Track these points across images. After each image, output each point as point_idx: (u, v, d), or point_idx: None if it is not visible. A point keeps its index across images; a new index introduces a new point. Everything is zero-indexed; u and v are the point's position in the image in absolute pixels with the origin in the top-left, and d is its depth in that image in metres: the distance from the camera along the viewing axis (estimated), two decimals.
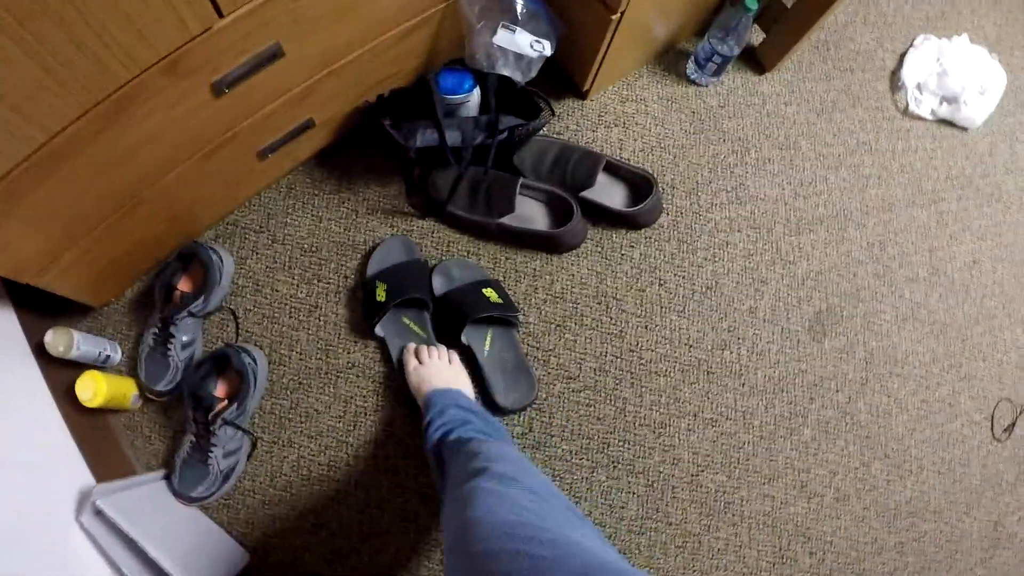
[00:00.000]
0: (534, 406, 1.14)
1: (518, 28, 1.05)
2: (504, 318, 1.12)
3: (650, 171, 1.19)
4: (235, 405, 1.04)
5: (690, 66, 1.30)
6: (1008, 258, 1.35)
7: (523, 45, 1.06)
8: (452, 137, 1.08)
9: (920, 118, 1.38)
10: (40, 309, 1.07)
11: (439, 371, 1.06)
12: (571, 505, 0.73)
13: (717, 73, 1.28)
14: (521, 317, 1.17)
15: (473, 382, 1.12)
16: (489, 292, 1.12)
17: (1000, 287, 1.33)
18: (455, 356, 1.11)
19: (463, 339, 1.10)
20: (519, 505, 0.64)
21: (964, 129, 1.40)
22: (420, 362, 1.07)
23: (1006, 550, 1.24)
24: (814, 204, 1.29)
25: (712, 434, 1.17)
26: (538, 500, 0.67)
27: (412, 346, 1.10)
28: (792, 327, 1.22)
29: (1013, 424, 1.28)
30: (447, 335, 1.12)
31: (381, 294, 1.10)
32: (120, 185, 0.89)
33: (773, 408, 1.19)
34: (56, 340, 1.00)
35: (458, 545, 0.63)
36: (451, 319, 1.11)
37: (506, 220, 1.13)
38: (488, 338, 1.12)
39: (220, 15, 0.74)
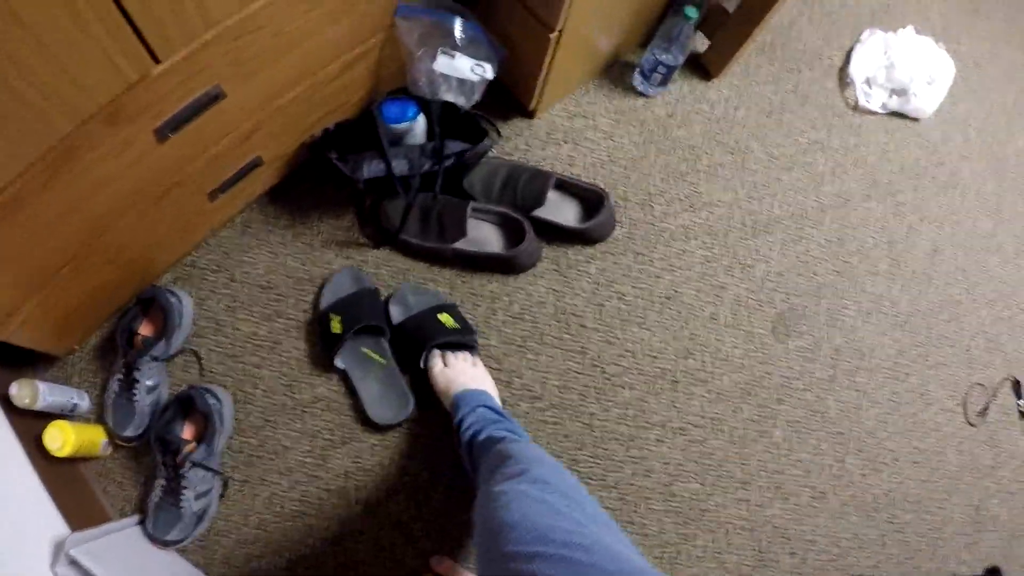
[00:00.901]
0: None
1: (458, 53, 1.06)
2: (462, 343, 1.12)
3: (601, 185, 1.20)
4: (203, 446, 1.04)
5: (636, 78, 1.31)
6: (968, 244, 1.36)
7: (464, 70, 1.07)
8: (399, 166, 1.08)
9: (871, 112, 1.40)
10: (3, 361, 1.07)
11: (465, 372, 1.08)
12: (601, 509, 0.72)
13: (664, 83, 1.29)
14: (481, 339, 1.17)
15: (417, 412, 1.13)
16: (445, 317, 1.12)
17: (963, 273, 1.34)
18: (479, 359, 1.13)
19: (422, 366, 1.10)
20: (554, 509, 0.65)
21: (916, 120, 1.41)
22: (446, 364, 1.09)
23: (991, 533, 1.24)
24: (769, 206, 1.29)
25: (682, 443, 1.17)
26: (573, 504, 0.67)
27: (437, 352, 1.11)
28: (755, 330, 1.23)
29: (987, 407, 1.29)
30: (408, 362, 1.13)
31: (336, 326, 1.10)
32: (73, 234, 0.90)
33: (742, 412, 1.19)
34: (22, 392, 0.99)
35: (493, 546, 0.63)
36: (410, 347, 1.12)
37: (460, 245, 1.14)
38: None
39: (156, 61, 0.75)
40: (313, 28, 0.91)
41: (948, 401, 1.28)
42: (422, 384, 1.12)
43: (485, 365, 1.14)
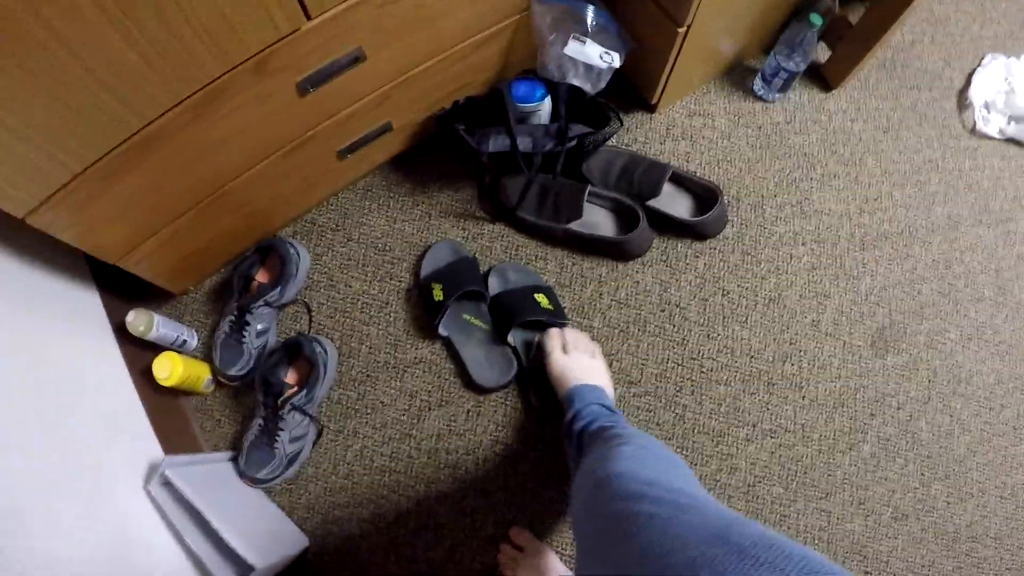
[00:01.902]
0: None
1: (588, 40, 1.08)
2: (552, 323, 1.13)
3: (715, 183, 1.21)
4: (304, 392, 1.08)
5: (757, 82, 1.31)
6: None
7: (593, 56, 1.09)
8: (523, 143, 1.11)
9: (988, 137, 1.37)
10: (122, 292, 1.13)
11: (581, 364, 1.05)
12: None
13: (783, 89, 1.29)
14: (585, 321, 1.19)
15: (516, 383, 1.15)
16: (541, 297, 1.14)
17: None
18: (598, 349, 1.11)
19: (510, 340, 1.13)
20: (660, 469, 0.65)
21: None
22: (565, 352, 1.07)
23: None
24: (879, 220, 1.28)
25: (771, 445, 1.17)
26: (679, 470, 0.68)
27: (555, 331, 1.09)
28: (854, 342, 1.22)
29: None
30: (499, 333, 1.15)
31: (438, 293, 1.13)
32: (204, 177, 0.94)
33: (833, 422, 1.18)
34: (137, 320, 1.05)
35: (597, 498, 0.63)
36: (501, 319, 1.14)
37: (573, 226, 1.16)
38: (535, 343, 1.14)
39: (308, 17, 0.79)
40: (452, 6, 0.94)
41: None
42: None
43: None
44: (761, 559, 0.43)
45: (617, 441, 0.75)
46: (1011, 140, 1.38)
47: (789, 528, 1.15)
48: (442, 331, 1.14)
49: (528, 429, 1.14)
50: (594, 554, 0.59)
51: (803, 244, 1.25)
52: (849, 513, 1.16)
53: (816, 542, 1.15)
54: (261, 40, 0.77)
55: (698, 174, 1.23)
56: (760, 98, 1.32)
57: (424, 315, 1.18)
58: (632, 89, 1.27)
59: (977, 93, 1.39)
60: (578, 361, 1.05)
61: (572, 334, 1.09)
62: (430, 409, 1.15)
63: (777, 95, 1.31)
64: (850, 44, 1.27)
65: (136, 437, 1.06)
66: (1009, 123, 1.38)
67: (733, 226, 1.25)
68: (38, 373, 0.91)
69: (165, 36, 0.68)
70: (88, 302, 1.11)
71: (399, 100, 1.06)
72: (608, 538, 0.57)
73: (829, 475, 1.17)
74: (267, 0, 0.72)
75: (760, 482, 1.15)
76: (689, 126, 1.29)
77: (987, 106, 1.38)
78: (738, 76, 1.34)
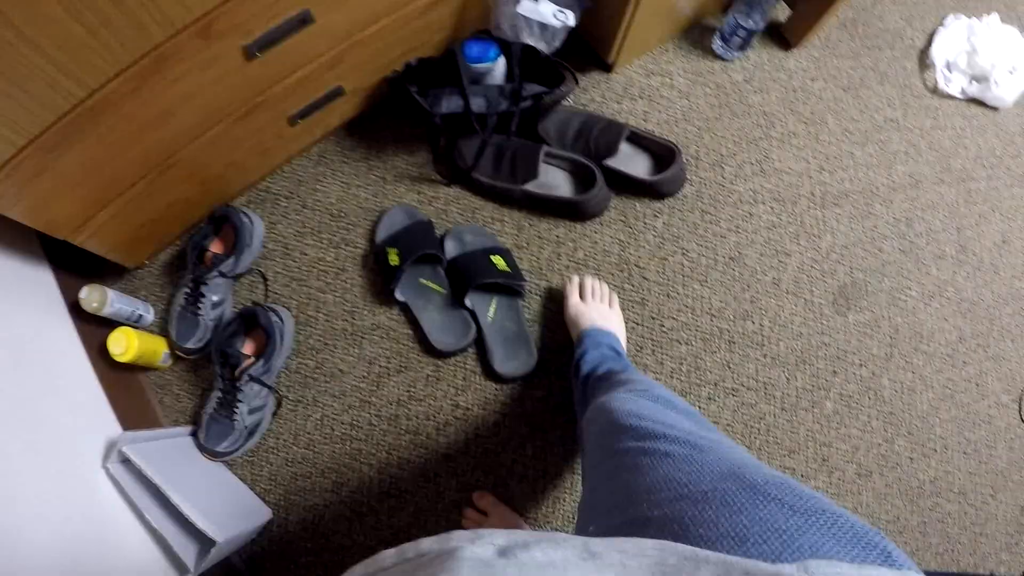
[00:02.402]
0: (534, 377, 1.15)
1: None
2: (509, 286, 1.13)
3: (674, 142, 1.20)
4: (261, 361, 1.07)
5: (716, 41, 1.30)
6: None
7: (546, 15, 1.08)
8: (477, 104, 1.10)
9: (949, 97, 1.37)
10: (76, 270, 1.10)
11: (598, 310, 1.10)
12: None
13: (743, 48, 1.28)
14: (544, 282, 1.18)
15: (474, 346, 1.14)
16: (498, 259, 1.13)
17: None
18: (615, 298, 1.14)
19: (467, 303, 1.12)
20: (676, 412, 0.65)
21: (995, 109, 1.38)
22: (583, 299, 1.10)
23: None
24: (840, 179, 1.28)
25: (733, 403, 1.16)
26: (694, 416, 0.67)
27: (576, 279, 1.14)
28: (815, 300, 1.22)
29: None
30: (456, 296, 1.14)
31: (394, 258, 1.12)
32: (154, 146, 0.92)
33: (795, 380, 1.18)
34: (91, 296, 1.03)
35: (608, 437, 0.62)
36: (458, 282, 1.13)
37: (530, 187, 1.15)
38: (492, 306, 1.14)
39: None
40: None
41: (1004, 396, 1.25)
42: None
43: (523, 316, 1.15)
44: (772, 495, 0.43)
45: (632, 386, 0.75)
46: (973, 100, 1.38)
47: None
48: (399, 296, 1.13)
49: (488, 393, 1.13)
50: (605, 488, 0.58)
51: (763, 203, 1.25)
52: (813, 470, 1.17)
53: None
54: (205, 3, 0.75)
55: (656, 133, 1.22)
56: (719, 57, 1.31)
57: (381, 281, 1.17)
58: (589, 48, 1.26)
59: (939, 53, 1.38)
60: (595, 308, 1.09)
61: (591, 281, 1.13)
62: (389, 375, 1.14)
63: (736, 54, 1.30)
64: (810, 3, 1.26)
65: (94, 414, 1.04)
66: (971, 83, 1.38)
67: (692, 185, 1.24)
68: None
69: (107, 5, 0.66)
70: (41, 280, 1.08)
71: (350, 63, 1.04)
72: (623, 473, 0.56)
73: (792, 433, 1.17)
74: None
75: None
76: (647, 85, 1.28)
77: (949, 66, 1.38)
78: (697, 35, 1.32)
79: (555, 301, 1.17)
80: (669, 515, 0.46)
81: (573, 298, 1.11)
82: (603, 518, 0.54)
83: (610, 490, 0.56)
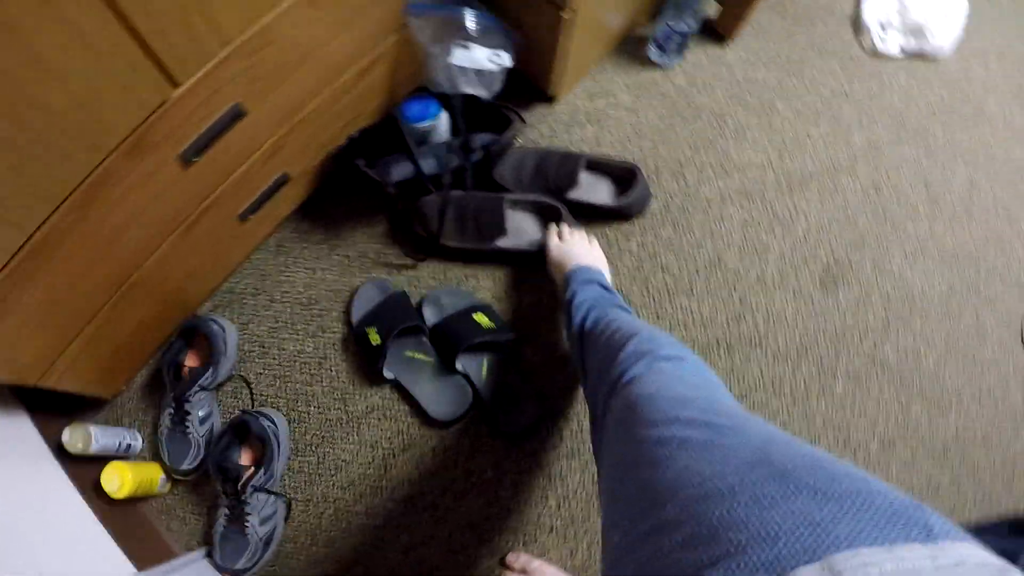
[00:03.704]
0: (552, 418, 1.12)
1: (473, 44, 1.05)
2: (497, 342, 1.10)
3: (631, 160, 1.18)
4: (262, 470, 1.03)
5: (652, 50, 1.29)
6: (1004, 175, 1.33)
7: (481, 60, 1.06)
8: (428, 165, 1.07)
9: (890, 57, 1.37)
10: (54, 409, 1.06)
11: (580, 247, 1.07)
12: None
13: (679, 52, 1.27)
14: (529, 331, 1.15)
15: (474, 408, 1.11)
16: (480, 317, 1.10)
17: (1003, 204, 1.31)
18: (595, 239, 1.12)
19: (458, 367, 1.09)
20: (692, 384, 0.63)
21: (935, 59, 1.39)
22: (561, 239, 1.09)
23: None
24: (801, 162, 1.27)
25: (744, 408, 1.14)
26: (709, 384, 0.66)
27: (554, 226, 1.11)
28: (803, 286, 1.21)
29: None
30: (446, 363, 1.11)
31: (375, 337, 1.09)
32: (108, 272, 0.89)
33: (800, 370, 1.17)
34: (74, 438, 0.99)
35: (627, 426, 0.60)
36: (445, 348, 1.10)
37: (500, 243, 1.12)
38: (485, 365, 1.11)
39: (175, 84, 0.74)
40: (325, 36, 0.90)
41: (1005, 333, 1.25)
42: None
43: (540, 359, 1.12)
44: (803, 482, 0.41)
45: (635, 349, 0.71)
46: (913, 55, 1.39)
47: None
48: (387, 374, 1.09)
49: (499, 452, 1.11)
50: (624, 491, 0.54)
51: (732, 202, 1.24)
52: (837, 453, 1.14)
53: None
54: (131, 121, 0.72)
55: (612, 155, 1.20)
56: (658, 65, 1.30)
57: (366, 362, 1.13)
58: (529, 84, 1.24)
59: (870, 15, 1.39)
60: (576, 245, 1.07)
61: (567, 225, 1.11)
62: (395, 456, 1.10)
63: (675, 59, 1.29)
64: None
65: (102, 559, 1.00)
66: (908, 38, 1.38)
67: (658, 200, 1.22)
68: None
69: (28, 140, 0.63)
70: (19, 427, 1.04)
71: (291, 148, 1.01)
72: (641, 470, 0.52)
73: (809, 423, 1.16)
74: (126, 78, 0.67)
75: None
76: (593, 109, 1.27)
77: (883, 26, 1.39)
78: (632, 48, 1.31)
79: (547, 346, 1.15)
80: (696, 517, 0.43)
81: (553, 240, 1.09)
82: (627, 522, 0.50)
83: (630, 493, 0.53)
